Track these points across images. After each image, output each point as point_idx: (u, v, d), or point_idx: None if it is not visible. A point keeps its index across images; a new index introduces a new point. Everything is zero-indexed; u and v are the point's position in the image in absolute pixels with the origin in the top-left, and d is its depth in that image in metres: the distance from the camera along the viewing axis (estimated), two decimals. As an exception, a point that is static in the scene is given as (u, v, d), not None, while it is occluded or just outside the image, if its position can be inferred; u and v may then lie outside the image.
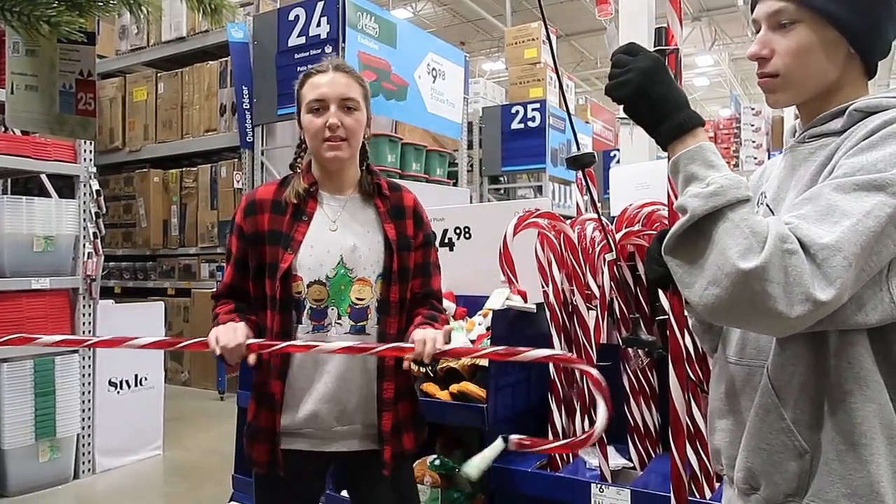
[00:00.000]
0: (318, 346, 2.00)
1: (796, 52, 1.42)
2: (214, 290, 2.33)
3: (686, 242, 1.29)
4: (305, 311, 2.17)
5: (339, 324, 2.17)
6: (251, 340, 2.01)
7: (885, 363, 1.32)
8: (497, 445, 1.72)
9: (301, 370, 2.18)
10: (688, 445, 2.42)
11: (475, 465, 1.72)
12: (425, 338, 1.99)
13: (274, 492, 2.25)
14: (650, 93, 1.40)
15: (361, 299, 2.18)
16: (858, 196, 1.22)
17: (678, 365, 2.30)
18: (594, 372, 1.76)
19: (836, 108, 1.42)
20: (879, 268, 1.25)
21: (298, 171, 2.31)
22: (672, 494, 2.21)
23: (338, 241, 2.20)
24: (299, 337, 2.17)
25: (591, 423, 2.67)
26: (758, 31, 1.50)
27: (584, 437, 1.73)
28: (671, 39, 2.15)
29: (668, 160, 1.40)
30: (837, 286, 1.17)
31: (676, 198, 1.37)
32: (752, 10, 1.51)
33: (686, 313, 1.78)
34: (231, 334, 1.99)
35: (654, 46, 2.15)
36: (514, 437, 1.67)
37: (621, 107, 1.47)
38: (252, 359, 1.99)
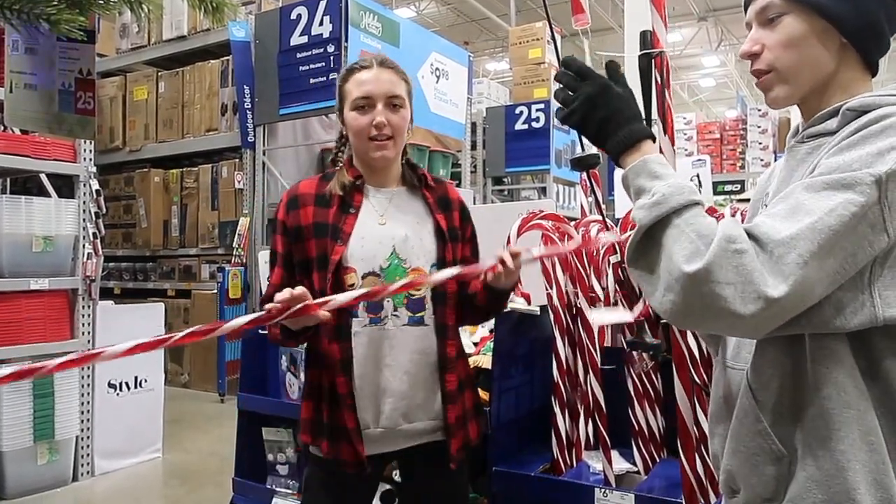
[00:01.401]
0: (381, 289, 1.82)
1: (786, 44, 1.43)
2: (263, 294, 2.24)
3: (642, 253, 1.32)
4: (361, 304, 2.14)
5: (395, 315, 2.15)
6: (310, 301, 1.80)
7: (868, 370, 1.31)
8: None
9: (363, 367, 2.15)
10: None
11: None
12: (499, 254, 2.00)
13: (346, 490, 2.23)
14: (593, 117, 1.48)
15: (418, 289, 2.17)
16: (826, 195, 1.22)
17: (682, 369, 2.30)
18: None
19: (833, 106, 1.42)
20: (856, 269, 1.24)
21: (340, 165, 2.30)
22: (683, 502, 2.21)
23: (388, 233, 2.18)
24: (355, 331, 2.14)
25: (595, 426, 2.66)
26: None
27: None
28: (657, 42, 2.16)
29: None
30: (791, 283, 1.18)
31: None
32: (746, 14, 1.53)
33: None
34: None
35: (641, 50, 2.16)
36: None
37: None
38: (324, 314, 1.80)
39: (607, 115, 1.46)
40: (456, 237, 2.28)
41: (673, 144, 2.15)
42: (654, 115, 2.12)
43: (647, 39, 2.16)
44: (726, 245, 1.20)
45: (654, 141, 1.47)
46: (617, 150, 1.46)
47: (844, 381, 1.30)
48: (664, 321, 2.48)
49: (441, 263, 2.20)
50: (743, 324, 1.21)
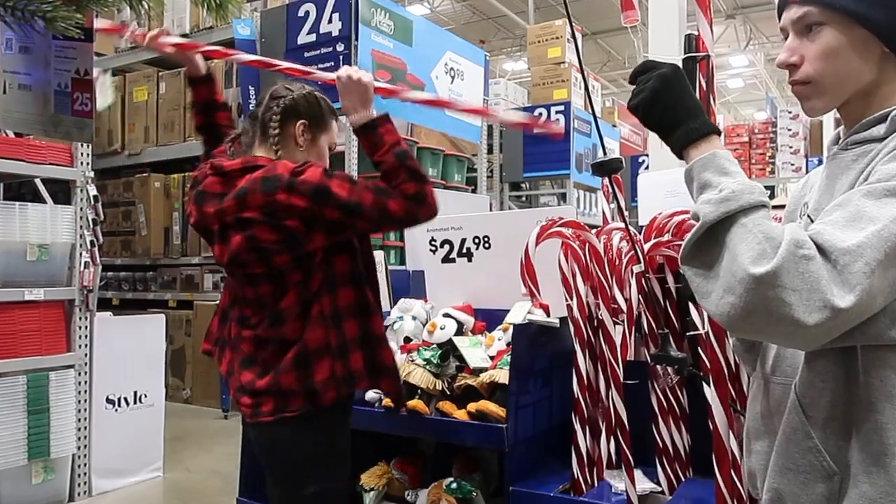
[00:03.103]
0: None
1: (826, 56, 1.44)
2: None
3: (701, 251, 1.32)
4: None
5: None
6: None
7: None
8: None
9: None
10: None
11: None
12: None
13: None
14: (665, 98, 1.46)
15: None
16: (888, 202, 1.23)
17: (719, 385, 2.29)
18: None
19: (879, 113, 1.42)
20: None
21: None
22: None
23: None
24: None
25: (617, 444, 2.65)
26: (786, 39, 1.51)
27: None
28: (702, 46, 2.16)
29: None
30: (857, 293, 1.17)
31: None
32: (780, 19, 1.53)
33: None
34: None
35: (685, 53, 2.16)
36: None
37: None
38: None
39: (679, 98, 1.45)
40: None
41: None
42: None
43: (692, 42, 2.16)
44: (795, 249, 1.20)
45: (720, 137, 1.46)
46: (685, 140, 1.44)
47: None
48: (690, 333, 2.49)
49: None
50: (803, 333, 1.20)
